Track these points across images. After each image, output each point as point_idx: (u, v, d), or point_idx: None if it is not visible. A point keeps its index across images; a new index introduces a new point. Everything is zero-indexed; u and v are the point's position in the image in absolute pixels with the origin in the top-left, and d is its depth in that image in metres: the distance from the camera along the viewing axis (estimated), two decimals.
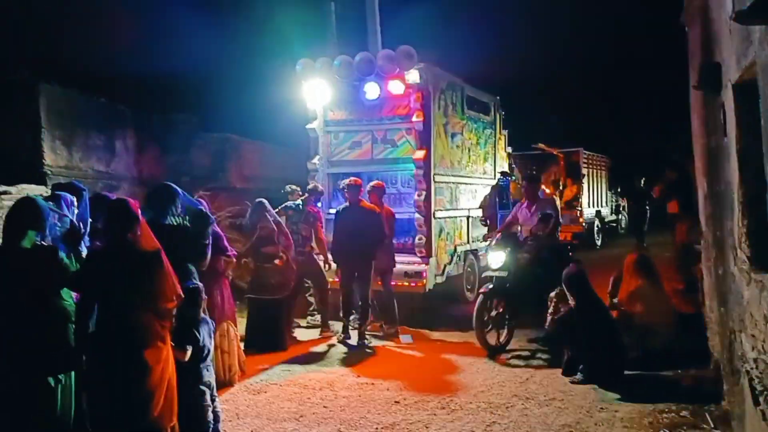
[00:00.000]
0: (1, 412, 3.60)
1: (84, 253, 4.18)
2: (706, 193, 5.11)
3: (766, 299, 2.97)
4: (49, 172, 10.17)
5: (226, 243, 6.39)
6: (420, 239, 8.61)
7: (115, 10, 13.29)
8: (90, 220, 4.54)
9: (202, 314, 4.56)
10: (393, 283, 8.27)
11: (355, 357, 6.97)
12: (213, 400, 4.50)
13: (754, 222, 3.31)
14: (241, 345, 6.49)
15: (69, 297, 3.84)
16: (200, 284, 4.59)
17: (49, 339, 3.67)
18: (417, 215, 8.61)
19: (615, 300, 6.39)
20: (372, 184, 8.15)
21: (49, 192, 4.96)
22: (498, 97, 11.31)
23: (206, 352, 4.43)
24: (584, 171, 17.47)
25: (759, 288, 3.10)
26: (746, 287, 3.42)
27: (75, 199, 4.72)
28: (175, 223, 4.66)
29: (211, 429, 4.38)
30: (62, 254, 3.81)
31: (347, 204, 7.69)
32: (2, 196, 7.60)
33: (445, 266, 9.05)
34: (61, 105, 10.76)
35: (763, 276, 3.09)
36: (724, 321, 4.43)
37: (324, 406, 5.39)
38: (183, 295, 3.92)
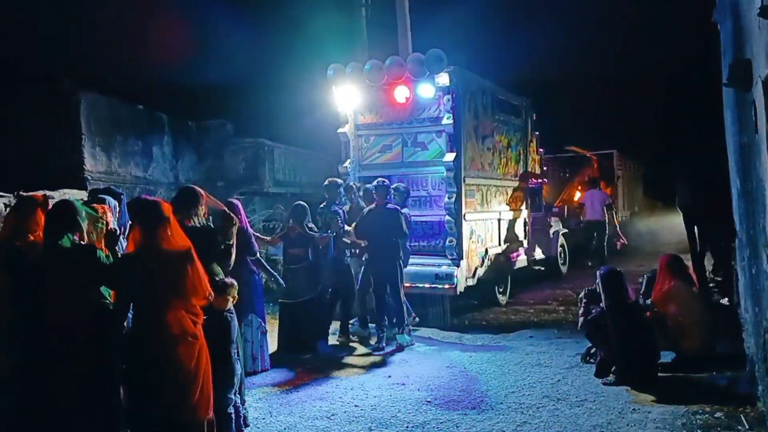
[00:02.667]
0: (41, 406, 3.74)
1: (120, 254, 4.34)
2: (739, 191, 5.04)
3: None
4: (89, 178, 10.52)
5: (254, 243, 6.58)
6: (451, 241, 8.64)
7: (152, 20, 13.65)
8: (129, 222, 4.70)
9: (229, 310, 4.69)
10: (425, 285, 8.35)
11: (386, 359, 7.02)
12: (240, 394, 4.65)
13: None
14: (267, 338, 6.66)
15: (108, 295, 3.99)
16: (231, 280, 4.73)
17: (88, 335, 3.81)
18: (447, 217, 8.64)
19: (648, 301, 6.32)
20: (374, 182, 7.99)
21: (86, 197, 5.14)
22: (529, 99, 11.28)
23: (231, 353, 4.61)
24: (618, 173, 17.26)
25: None
26: None
27: (117, 204, 4.90)
28: (198, 225, 4.79)
29: (233, 423, 4.52)
30: (100, 253, 3.96)
31: (374, 206, 7.75)
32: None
33: (476, 269, 9.05)
34: (101, 112, 11.12)
35: None
36: (759, 320, 4.37)
37: (355, 405, 5.45)
38: (213, 293, 4.06)
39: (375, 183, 7.80)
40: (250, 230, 6.83)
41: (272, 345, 7.02)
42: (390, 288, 7.57)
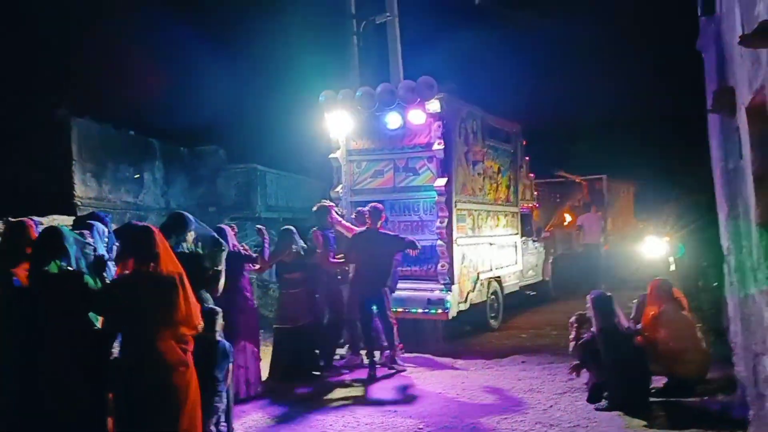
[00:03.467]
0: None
1: (109, 280, 4.32)
2: (726, 216, 5.09)
3: None
4: (79, 204, 10.50)
5: (246, 264, 6.59)
6: (442, 266, 8.65)
7: (146, 47, 13.77)
8: (116, 246, 4.70)
9: (219, 337, 4.67)
10: (417, 310, 8.36)
11: (378, 385, 6.97)
12: (226, 422, 4.60)
13: None
14: (260, 364, 6.61)
15: (96, 320, 3.96)
16: (216, 307, 4.71)
17: (77, 362, 3.78)
18: (439, 242, 8.66)
19: (638, 326, 6.32)
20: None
21: (72, 224, 5.12)
22: (519, 125, 11.40)
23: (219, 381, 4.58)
24: (608, 198, 17.38)
25: None
26: (766, 308, 3.41)
27: (105, 229, 4.90)
28: (187, 251, 4.79)
29: None
30: (88, 279, 3.94)
31: (364, 229, 7.75)
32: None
33: (468, 293, 9.05)
34: (93, 138, 11.15)
35: None
36: (748, 344, 4.38)
37: None
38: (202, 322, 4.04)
39: (369, 207, 7.81)
40: (247, 252, 6.84)
41: (265, 371, 6.96)
42: (378, 310, 7.53)
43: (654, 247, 8.15)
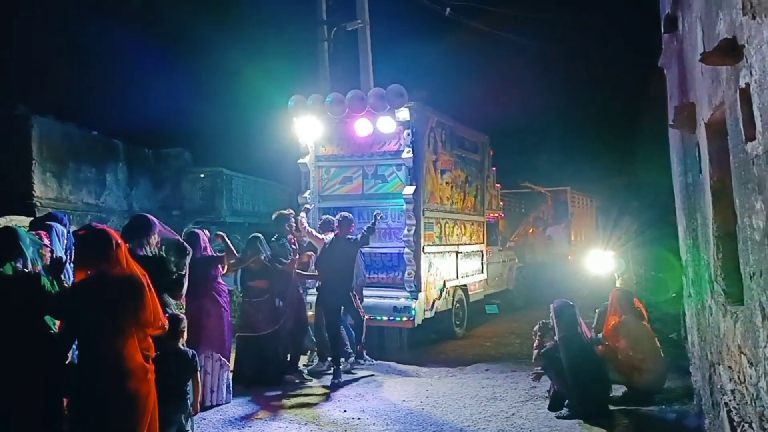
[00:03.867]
0: None
1: (67, 282, 4.21)
2: (685, 229, 5.23)
3: (740, 331, 3.05)
4: (38, 204, 10.22)
5: (217, 269, 6.48)
6: (409, 274, 8.67)
7: (110, 47, 13.54)
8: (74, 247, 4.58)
9: (181, 346, 4.58)
10: (383, 317, 8.39)
11: (342, 391, 6.93)
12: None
13: (728, 255, 3.41)
14: (228, 372, 6.50)
15: (52, 324, 3.86)
16: (180, 314, 4.63)
17: (31, 364, 3.66)
18: (406, 250, 8.69)
19: (599, 335, 6.43)
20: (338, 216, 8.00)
21: (28, 224, 4.98)
22: (486, 136, 11.53)
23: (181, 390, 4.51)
24: (572, 210, 17.69)
25: (734, 320, 3.18)
26: (723, 319, 3.50)
27: (64, 230, 4.77)
28: (150, 254, 4.70)
29: None
30: (45, 281, 3.84)
31: (333, 236, 7.76)
32: None
33: (434, 301, 9.09)
34: (54, 138, 10.88)
35: (737, 307, 3.17)
36: (704, 354, 4.50)
37: None
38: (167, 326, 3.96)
39: (339, 216, 7.83)
40: (210, 253, 6.72)
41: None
42: (347, 309, 7.57)
43: (598, 262, 8.43)
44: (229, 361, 6.51)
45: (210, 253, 6.60)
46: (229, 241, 6.87)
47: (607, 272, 9.71)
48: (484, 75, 20.15)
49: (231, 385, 6.51)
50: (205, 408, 5.95)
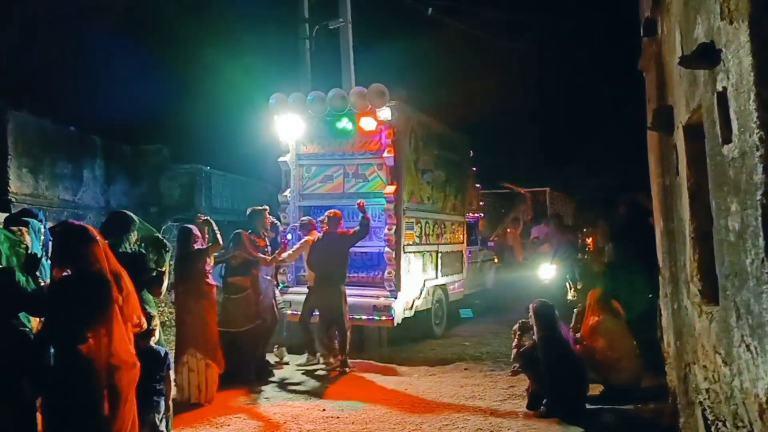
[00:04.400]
0: None
1: (43, 279, 4.15)
2: (662, 230, 5.30)
3: (715, 330, 3.10)
4: (13, 200, 10.04)
5: (207, 264, 6.46)
6: (389, 273, 8.68)
7: (86, 42, 13.34)
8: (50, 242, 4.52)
9: (153, 344, 4.51)
10: (362, 317, 8.40)
11: (321, 389, 6.92)
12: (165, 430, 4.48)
13: (704, 256, 3.46)
14: (215, 369, 6.45)
15: (28, 321, 3.79)
16: (152, 312, 4.58)
17: (5, 363, 3.60)
18: (387, 249, 8.69)
19: (578, 335, 6.49)
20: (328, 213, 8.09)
21: (3, 221, 4.89)
22: (467, 136, 11.59)
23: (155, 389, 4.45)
24: (551, 210, 17.85)
25: (709, 320, 3.23)
26: (698, 319, 3.56)
27: (41, 227, 4.70)
28: (129, 251, 4.65)
29: None
30: (20, 277, 3.77)
31: (322, 234, 7.85)
32: None
33: (413, 301, 9.10)
34: (30, 133, 10.70)
35: (712, 308, 3.22)
36: (680, 354, 4.57)
37: None
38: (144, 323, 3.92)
39: (328, 213, 7.95)
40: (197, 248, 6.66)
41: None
42: (335, 315, 7.64)
43: (546, 272, 8.93)
44: (216, 360, 6.44)
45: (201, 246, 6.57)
46: (214, 224, 6.81)
47: (553, 280, 10.23)
48: (466, 75, 20.23)
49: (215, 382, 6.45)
50: (192, 405, 5.95)
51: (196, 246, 6.49)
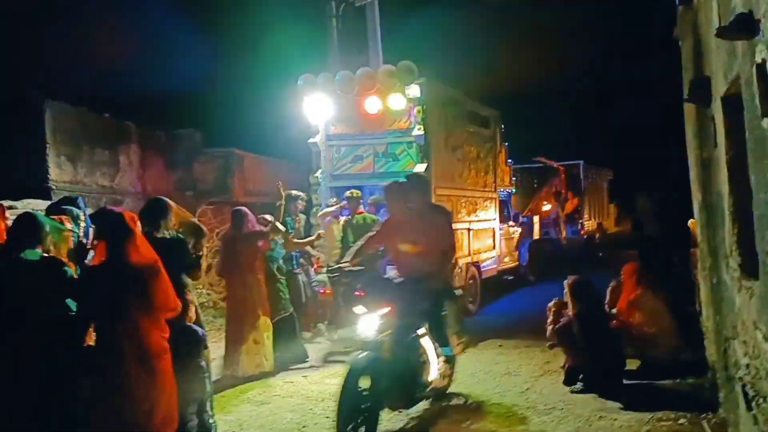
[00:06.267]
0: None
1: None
2: (700, 204, 5.19)
3: (755, 305, 3.04)
4: (53, 188, 10.29)
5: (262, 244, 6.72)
6: None
7: (121, 29, 13.51)
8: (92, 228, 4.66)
9: (189, 324, 4.61)
10: None
11: None
12: (202, 413, 4.59)
13: (743, 230, 3.39)
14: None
15: (74, 306, 3.92)
16: (189, 296, 4.67)
17: (52, 348, 3.74)
18: None
19: (613, 310, 6.44)
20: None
21: (45, 210, 5.03)
22: (498, 111, 11.44)
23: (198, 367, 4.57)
24: (585, 184, 17.60)
25: (749, 295, 3.18)
26: (737, 294, 3.50)
27: (81, 214, 4.83)
28: (168, 236, 4.75)
29: None
30: (67, 266, 3.90)
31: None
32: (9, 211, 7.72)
33: None
34: (67, 121, 10.91)
35: (752, 283, 3.16)
36: (719, 329, 4.50)
37: (326, 417, 5.43)
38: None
39: (348, 194, 8.13)
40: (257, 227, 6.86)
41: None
42: None
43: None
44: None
45: (255, 230, 6.78)
46: (278, 224, 7.00)
47: None
48: (496, 49, 19.90)
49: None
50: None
51: (250, 226, 6.67)
